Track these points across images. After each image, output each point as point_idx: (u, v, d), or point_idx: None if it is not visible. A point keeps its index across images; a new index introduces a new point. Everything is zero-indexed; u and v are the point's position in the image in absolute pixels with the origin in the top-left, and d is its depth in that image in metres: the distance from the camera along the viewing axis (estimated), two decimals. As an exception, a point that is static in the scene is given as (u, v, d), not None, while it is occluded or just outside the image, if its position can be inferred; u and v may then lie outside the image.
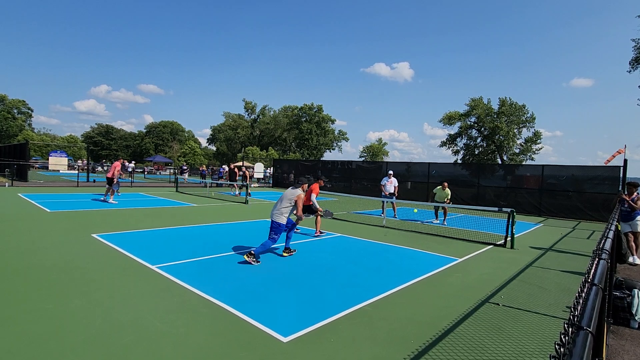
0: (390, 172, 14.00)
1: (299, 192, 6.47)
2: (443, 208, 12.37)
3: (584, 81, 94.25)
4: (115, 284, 4.60)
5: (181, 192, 19.37)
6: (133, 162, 40.68)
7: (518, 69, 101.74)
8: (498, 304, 4.55)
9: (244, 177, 19.11)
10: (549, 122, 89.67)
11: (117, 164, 14.03)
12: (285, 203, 6.37)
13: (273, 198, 19.01)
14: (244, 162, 39.92)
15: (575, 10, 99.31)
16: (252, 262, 5.76)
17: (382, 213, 11.92)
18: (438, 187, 12.20)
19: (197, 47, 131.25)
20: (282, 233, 6.29)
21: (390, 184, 13.17)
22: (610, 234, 2.82)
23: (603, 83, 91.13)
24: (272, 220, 6.24)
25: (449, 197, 12.01)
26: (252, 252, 5.86)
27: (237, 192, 19.55)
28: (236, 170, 20.86)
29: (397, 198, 13.15)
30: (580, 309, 1.06)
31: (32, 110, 73.36)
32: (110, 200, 13.53)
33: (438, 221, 12.51)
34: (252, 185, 20.60)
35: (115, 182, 13.41)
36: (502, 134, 39.16)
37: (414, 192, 20.94)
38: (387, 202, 12.45)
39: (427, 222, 12.39)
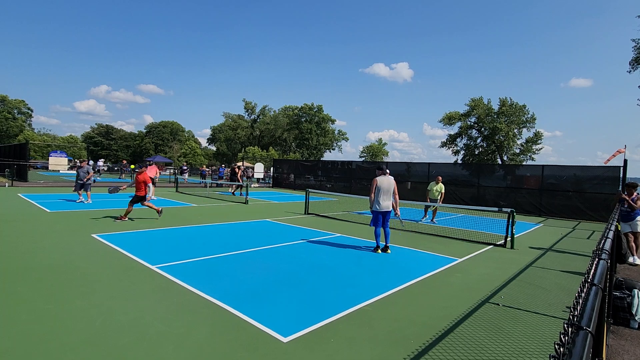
0: (387, 170, 13.94)
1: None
2: (434, 207, 12.59)
3: (583, 81, 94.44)
4: (116, 284, 4.61)
5: (181, 192, 19.37)
6: (102, 160, 40.43)
7: (518, 69, 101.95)
8: (498, 304, 4.55)
9: (241, 176, 20.37)
10: (548, 122, 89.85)
11: (155, 167, 15.96)
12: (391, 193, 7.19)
13: (273, 198, 19.02)
14: (244, 162, 39.93)
15: (574, 11, 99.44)
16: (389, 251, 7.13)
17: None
18: (432, 182, 12.52)
19: (197, 47, 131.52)
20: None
21: None
22: (610, 234, 2.82)
23: (602, 83, 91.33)
24: (387, 211, 7.15)
25: (443, 192, 12.38)
26: (387, 245, 7.22)
27: (234, 192, 19.99)
28: (236, 170, 21.03)
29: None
30: (580, 309, 1.06)
31: (32, 111, 73.51)
32: (153, 198, 15.12)
33: (426, 218, 12.75)
34: (252, 185, 20.67)
35: (155, 182, 15.27)
36: (502, 134, 39.17)
37: (414, 192, 20.93)
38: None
39: (416, 220, 12.39)
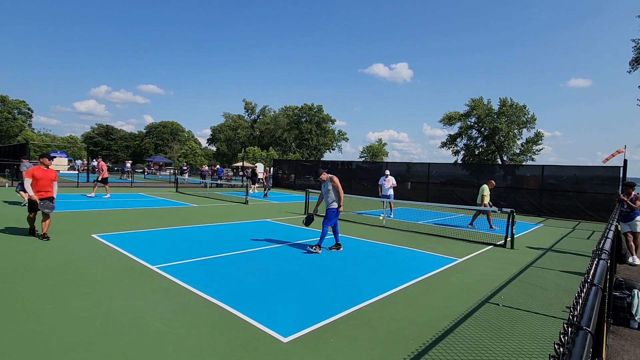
0: (387, 171, 13.95)
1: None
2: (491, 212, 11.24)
3: (582, 81, 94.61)
4: (116, 284, 4.61)
5: (181, 193, 19.37)
6: (97, 159, 41.59)
7: (518, 69, 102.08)
8: (498, 304, 4.55)
9: (266, 178, 20.89)
10: (548, 122, 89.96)
11: (102, 163, 15.70)
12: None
13: (273, 199, 19.02)
14: (244, 162, 39.91)
15: (574, 11, 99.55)
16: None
17: (383, 213, 11.95)
18: (486, 185, 11.42)
19: (197, 47, 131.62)
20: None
21: (387, 183, 13.19)
22: (610, 234, 2.81)
23: (602, 83, 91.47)
24: None
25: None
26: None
27: (263, 192, 20.68)
28: (257, 171, 21.57)
29: (393, 198, 13.19)
30: (579, 309, 1.06)
31: (32, 111, 73.48)
32: (107, 196, 14.95)
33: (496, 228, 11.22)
34: (251, 186, 20.76)
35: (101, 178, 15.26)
36: (502, 134, 39.16)
37: (414, 192, 20.93)
38: (385, 201, 12.54)
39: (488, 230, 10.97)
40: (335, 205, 7.06)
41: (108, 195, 15.11)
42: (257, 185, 22.71)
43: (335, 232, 7.32)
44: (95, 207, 11.82)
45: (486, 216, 11.57)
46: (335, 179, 7.08)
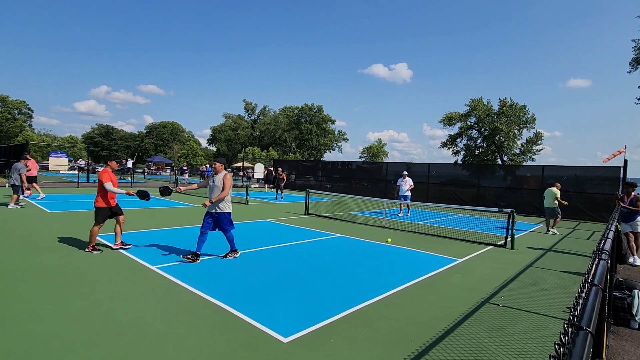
0: (405, 172, 14.14)
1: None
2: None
3: (582, 82, 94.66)
4: (116, 284, 4.60)
5: (181, 193, 19.33)
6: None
7: (518, 69, 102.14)
8: (498, 305, 4.55)
9: (282, 179, 19.67)
10: (548, 122, 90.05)
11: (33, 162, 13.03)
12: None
13: (272, 199, 19.01)
14: (244, 162, 39.88)
15: (574, 11, 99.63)
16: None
17: (384, 214, 11.95)
18: (554, 188, 11.29)
19: (197, 47, 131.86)
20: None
21: (405, 184, 13.41)
22: (610, 235, 2.81)
23: (602, 83, 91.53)
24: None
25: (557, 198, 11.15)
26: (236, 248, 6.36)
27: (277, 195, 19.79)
28: (272, 172, 21.48)
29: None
30: (580, 309, 1.06)
31: (32, 111, 73.54)
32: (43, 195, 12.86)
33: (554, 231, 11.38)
34: (252, 186, 20.71)
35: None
36: (502, 134, 39.18)
37: (414, 192, 20.90)
38: (402, 202, 13.08)
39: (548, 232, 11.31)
40: (229, 209, 6.10)
41: (43, 196, 12.95)
42: (270, 185, 22.27)
43: (202, 242, 6.00)
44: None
45: (553, 220, 11.39)
46: (229, 179, 6.01)
